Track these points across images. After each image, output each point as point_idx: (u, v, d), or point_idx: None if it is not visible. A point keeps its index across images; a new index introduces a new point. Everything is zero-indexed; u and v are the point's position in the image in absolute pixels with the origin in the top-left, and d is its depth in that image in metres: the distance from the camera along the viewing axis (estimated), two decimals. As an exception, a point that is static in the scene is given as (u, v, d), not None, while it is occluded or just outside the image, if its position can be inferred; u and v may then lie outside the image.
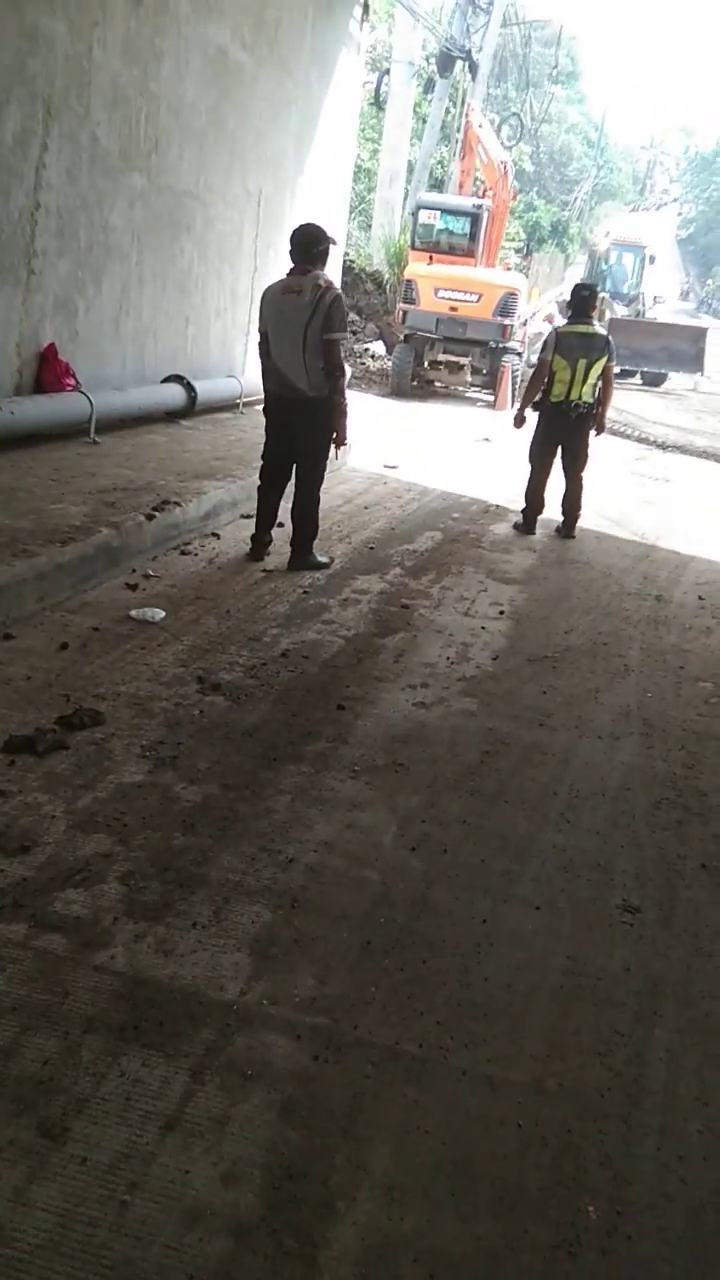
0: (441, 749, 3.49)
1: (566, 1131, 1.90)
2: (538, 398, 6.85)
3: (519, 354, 14.18)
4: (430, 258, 14.55)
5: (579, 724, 3.85)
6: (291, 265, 5.12)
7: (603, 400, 6.86)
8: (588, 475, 7.02)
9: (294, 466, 5.36)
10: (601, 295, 18.30)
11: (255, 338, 5.40)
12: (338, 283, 6.94)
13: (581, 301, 6.91)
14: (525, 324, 14.84)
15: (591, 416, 6.85)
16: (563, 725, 3.82)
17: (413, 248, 15.49)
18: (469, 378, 14.39)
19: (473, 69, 20.54)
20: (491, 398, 14.41)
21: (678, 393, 19.94)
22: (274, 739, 3.35)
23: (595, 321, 7.13)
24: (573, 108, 50.20)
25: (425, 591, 5.33)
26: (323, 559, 5.46)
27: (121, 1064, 1.88)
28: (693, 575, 6.44)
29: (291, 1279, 1.53)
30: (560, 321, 9.27)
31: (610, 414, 7.84)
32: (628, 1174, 1.83)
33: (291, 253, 5.12)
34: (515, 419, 7.40)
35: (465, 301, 13.82)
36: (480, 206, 15.44)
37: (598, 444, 7.28)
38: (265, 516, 5.46)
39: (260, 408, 5.58)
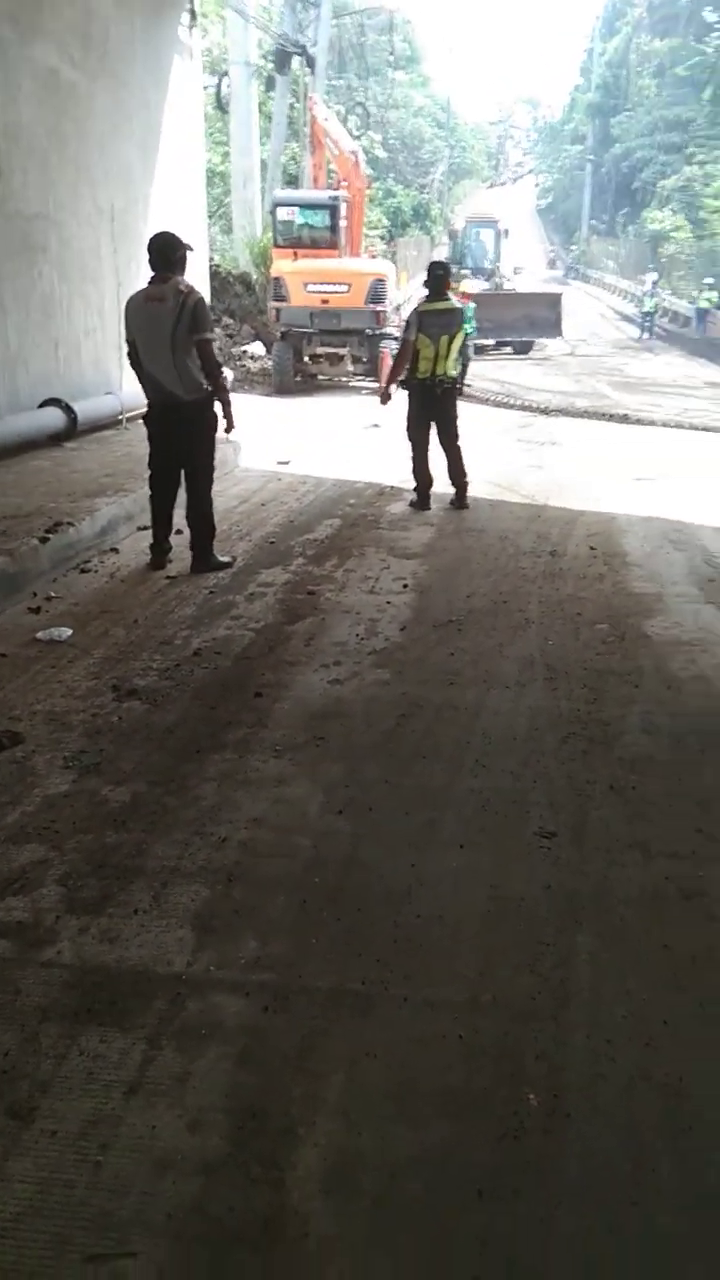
0: (358, 719, 3.63)
1: (503, 1036, 2.05)
2: (402, 376, 7.07)
3: (396, 338, 14.41)
4: (295, 254, 14.67)
5: (486, 678, 4.03)
6: (152, 275, 5.19)
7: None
8: (470, 444, 7.25)
9: (181, 471, 5.45)
10: (458, 270, 18.86)
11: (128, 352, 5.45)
12: (206, 288, 7.02)
13: (436, 280, 7.12)
14: (399, 309, 15.09)
15: (457, 389, 7.12)
16: (471, 681, 3.99)
17: (276, 246, 15.58)
18: (350, 367, 14.55)
19: (310, 63, 20.69)
20: (376, 384, 14.60)
21: (557, 359, 20.47)
22: (195, 733, 3.44)
23: (452, 296, 7.39)
24: (417, 91, 50.84)
25: (329, 576, 5.47)
26: (224, 558, 5.55)
27: (80, 1044, 1.97)
28: (583, 529, 6.70)
29: (262, 1202, 1.65)
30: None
31: (493, 385, 8.11)
32: (562, 1063, 1.99)
33: (151, 262, 5.19)
34: (381, 396, 7.63)
35: (336, 293, 13.98)
36: (336, 198, 15.61)
37: (485, 414, 7.52)
38: (161, 524, 5.53)
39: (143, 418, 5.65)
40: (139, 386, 5.51)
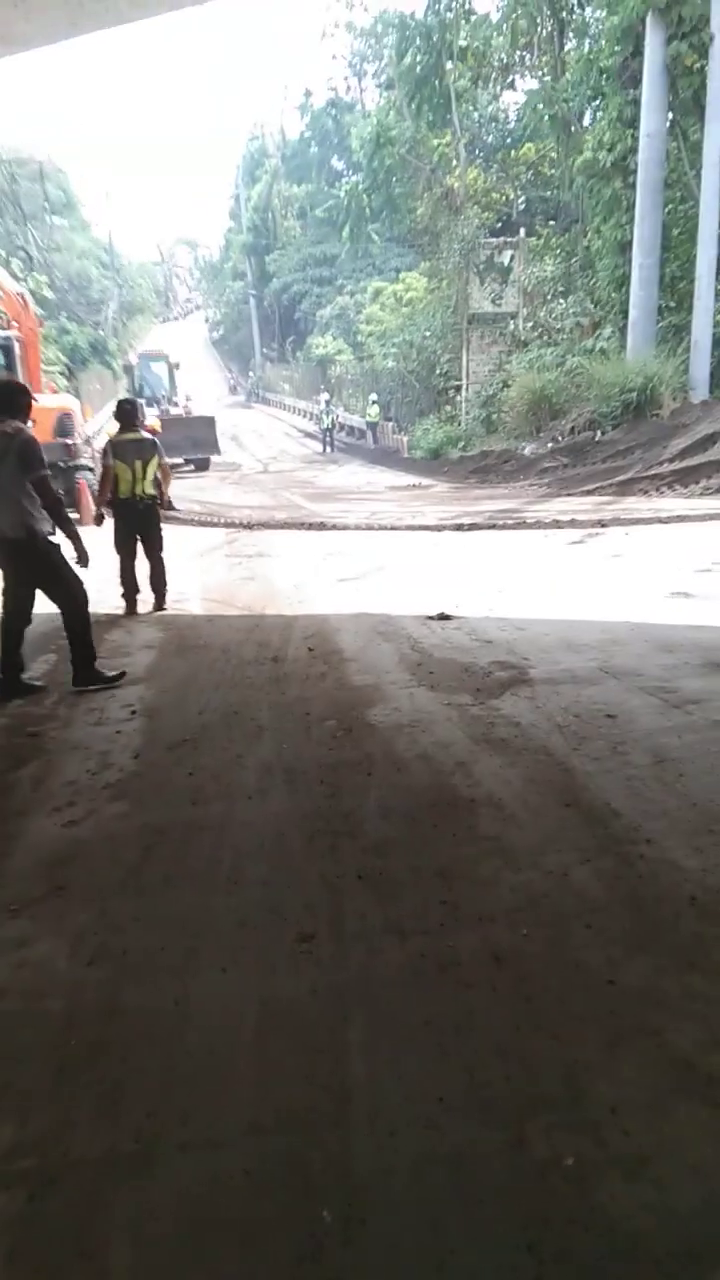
0: (100, 858, 3.47)
1: (289, 1155, 2.01)
2: (109, 497, 7.73)
3: (90, 469, 14.41)
4: (-28, 394, 14.31)
5: (228, 791, 4.02)
6: None
7: (164, 484, 7.95)
8: (183, 563, 7.46)
9: (25, 605, 5.62)
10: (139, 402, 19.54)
11: None
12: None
13: (125, 414, 7.96)
14: (89, 440, 15.12)
15: (157, 506, 7.86)
16: (214, 797, 3.97)
17: (-49, 387, 15.12)
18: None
19: (-34, 210, 20.67)
20: (77, 515, 14.44)
21: (252, 476, 21.40)
22: None
23: (141, 429, 8.08)
24: (78, 235, 52.14)
25: (51, 714, 5.25)
26: (110, 673, 5.79)
27: None
28: (300, 632, 6.96)
29: None
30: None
31: (195, 505, 8.62)
32: (350, 1168, 1.98)
33: None
34: (95, 518, 8.16)
35: (20, 429, 13.78)
36: (8, 338, 15.53)
37: (192, 533, 7.83)
38: (12, 649, 5.65)
39: None
40: None
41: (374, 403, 29.04)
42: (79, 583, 5.67)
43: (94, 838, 3.65)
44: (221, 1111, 2.14)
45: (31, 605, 5.65)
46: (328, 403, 30.14)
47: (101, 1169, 1.99)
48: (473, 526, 12.29)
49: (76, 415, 14.86)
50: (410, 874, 3.21)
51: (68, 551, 5.72)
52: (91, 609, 8.05)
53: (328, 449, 29.10)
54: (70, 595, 5.63)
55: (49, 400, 15.32)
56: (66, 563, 5.63)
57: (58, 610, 5.66)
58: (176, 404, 24.61)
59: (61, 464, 14.05)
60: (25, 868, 3.41)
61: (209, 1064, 2.31)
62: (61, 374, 26.34)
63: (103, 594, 8.56)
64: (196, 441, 22.57)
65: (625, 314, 18.56)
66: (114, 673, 5.81)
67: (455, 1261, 1.75)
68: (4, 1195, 1.91)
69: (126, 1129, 2.09)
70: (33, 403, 5.63)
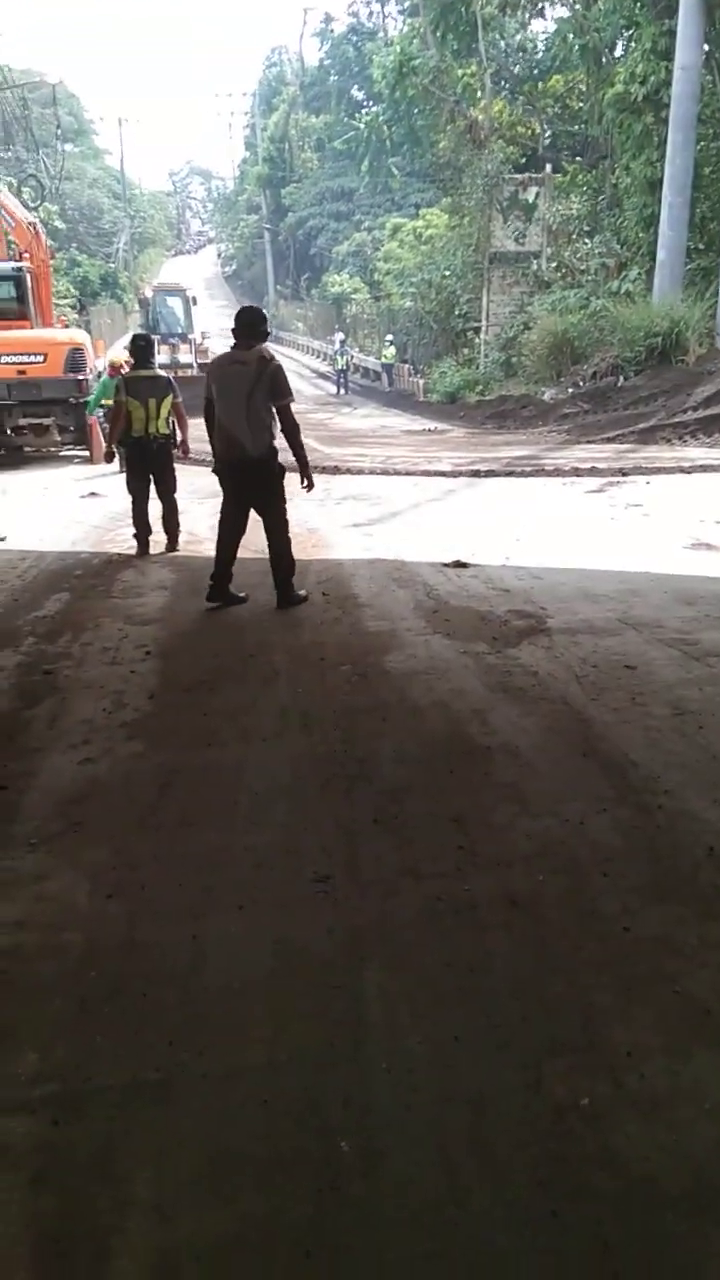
0: (117, 796, 3.49)
1: (306, 1091, 2.04)
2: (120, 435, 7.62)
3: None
4: (-17, 326, 14.12)
5: (244, 734, 4.03)
6: (235, 342, 5.74)
7: (181, 430, 7.86)
8: (199, 506, 7.38)
9: (246, 522, 6.01)
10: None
11: None
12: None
13: (140, 350, 7.76)
14: (100, 376, 14.89)
15: (171, 445, 7.74)
16: (230, 740, 3.97)
17: (-38, 319, 14.91)
18: (57, 437, 14.19)
19: (-24, 135, 20.16)
20: (86, 452, 14.31)
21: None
22: (-65, 842, 3.15)
23: (155, 365, 7.95)
24: (90, 164, 50.92)
25: (66, 652, 5.25)
26: (302, 593, 6.09)
27: None
28: (314, 577, 6.90)
29: (81, 1335, 1.52)
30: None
31: (208, 448, 8.46)
32: (368, 1104, 2.00)
33: (234, 330, 5.74)
34: (105, 455, 8.24)
35: (32, 363, 13.62)
36: (20, 269, 15.25)
37: (208, 476, 7.68)
38: (225, 568, 6.05)
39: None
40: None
41: (390, 344, 28.52)
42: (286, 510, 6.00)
43: (110, 776, 3.66)
44: (239, 1046, 2.18)
45: (246, 526, 6.02)
46: (342, 343, 29.59)
47: (124, 1097, 2.02)
48: (490, 473, 12.14)
49: (88, 350, 14.62)
50: (426, 819, 3.22)
51: None
52: (104, 548, 8.08)
53: (342, 391, 28.65)
54: (284, 519, 5.96)
55: (59, 334, 15.08)
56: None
57: (263, 539, 5.98)
58: (193, 341, 24.00)
59: (72, 400, 13.88)
60: (43, 804, 3.43)
61: (226, 1000, 2.33)
62: (72, 308, 25.86)
63: (114, 534, 8.55)
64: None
65: (652, 255, 18.04)
66: (303, 592, 6.14)
67: (471, 1197, 1.78)
68: (30, 1119, 1.95)
69: (147, 1060, 2.12)
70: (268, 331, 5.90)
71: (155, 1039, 2.19)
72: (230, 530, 6.01)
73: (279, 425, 5.74)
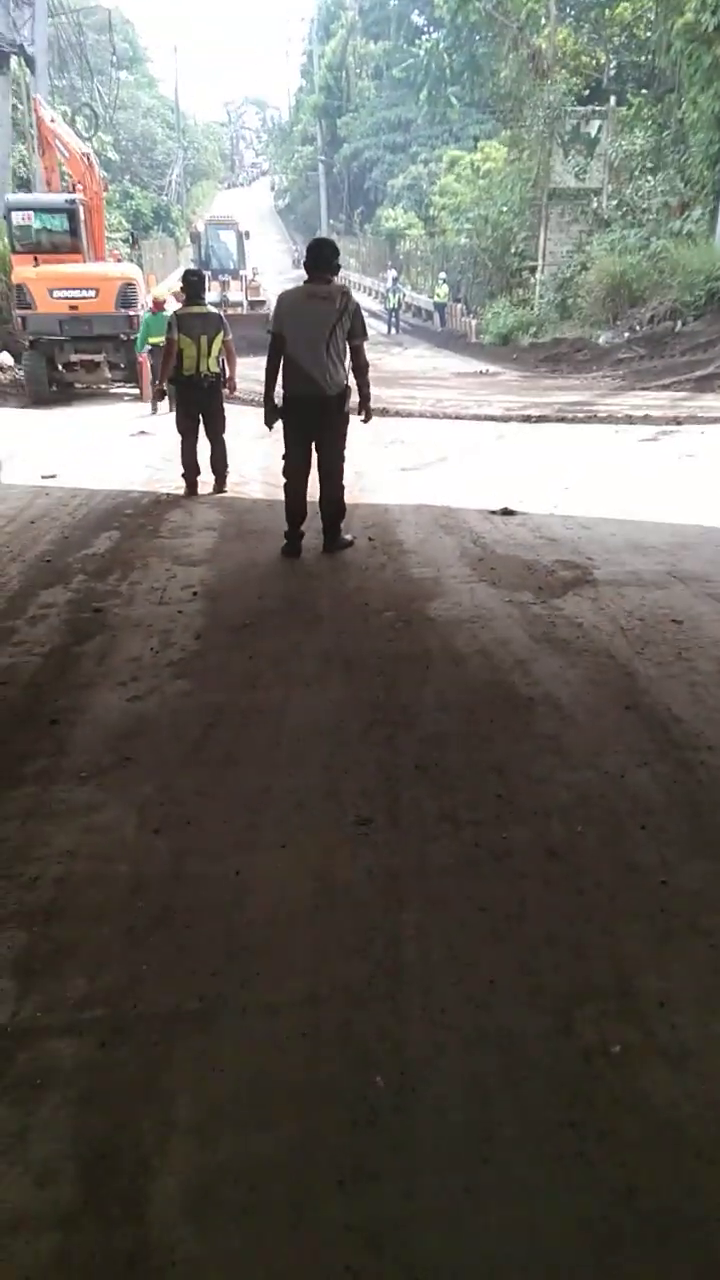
0: (164, 733, 3.56)
1: (344, 1025, 2.10)
2: (171, 374, 7.55)
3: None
4: (35, 259, 14.06)
5: (287, 677, 4.07)
6: (308, 276, 5.58)
7: (230, 367, 7.80)
8: (244, 444, 7.37)
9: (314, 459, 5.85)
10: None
11: None
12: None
13: (192, 286, 7.67)
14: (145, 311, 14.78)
15: (221, 384, 7.69)
16: (273, 683, 4.02)
17: (14, 252, 14.85)
18: (108, 374, 14.18)
19: (29, 63, 19.83)
20: (137, 390, 14.29)
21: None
22: (-13, 772, 3.25)
23: (206, 302, 7.84)
24: (144, 92, 49.89)
25: (115, 591, 5.31)
26: (348, 536, 6.05)
27: None
28: (359, 522, 6.84)
29: (124, 1243, 1.61)
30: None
31: (257, 386, 8.38)
32: (404, 1040, 2.06)
33: (307, 263, 5.60)
34: (155, 394, 7.97)
35: (84, 298, 13.56)
36: (74, 201, 15.09)
37: (257, 414, 7.61)
38: (298, 513, 5.94)
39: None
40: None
41: (443, 281, 27.87)
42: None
43: (158, 713, 3.74)
44: (280, 979, 2.24)
45: (312, 465, 5.89)
46: (395, 280, 28.97)
47: (168, 1023, 2.10)
48: (541, 418, 11.92)
49: (140, 285, 14.51)
50: (466, 767, 3.24)
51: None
52: (153, 488, 8.11)
53: (393, 330, 28.15)
54: (343, 461, 5.89)
55: (112, 269, 14.96)
56: None
57: (320, 476, 5.89)
58: (244, 277, 23.60)
59: (124, 336, 13.82)
60: (92, 738, 3.51)
61: (268, 934, 2.40)
62: (125, 241, 25.56)
63: (163, 473, 8.57)
64: (252, 343, 21.47)
65: (718, 195, 17.35)
66: (349, 536, 6.10)
67: (501, 1133, 1.84)
68: (78, 1041, 2.04)
69: (190, 989, 2.20)
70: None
71: (199, 969, 2.27)
72: (300, 473, 5.89)
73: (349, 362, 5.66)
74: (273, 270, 32.01)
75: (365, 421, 6.05)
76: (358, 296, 6.39)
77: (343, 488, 5.95)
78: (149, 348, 12.65)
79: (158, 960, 2.30)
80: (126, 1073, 1.96)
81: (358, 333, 5.61)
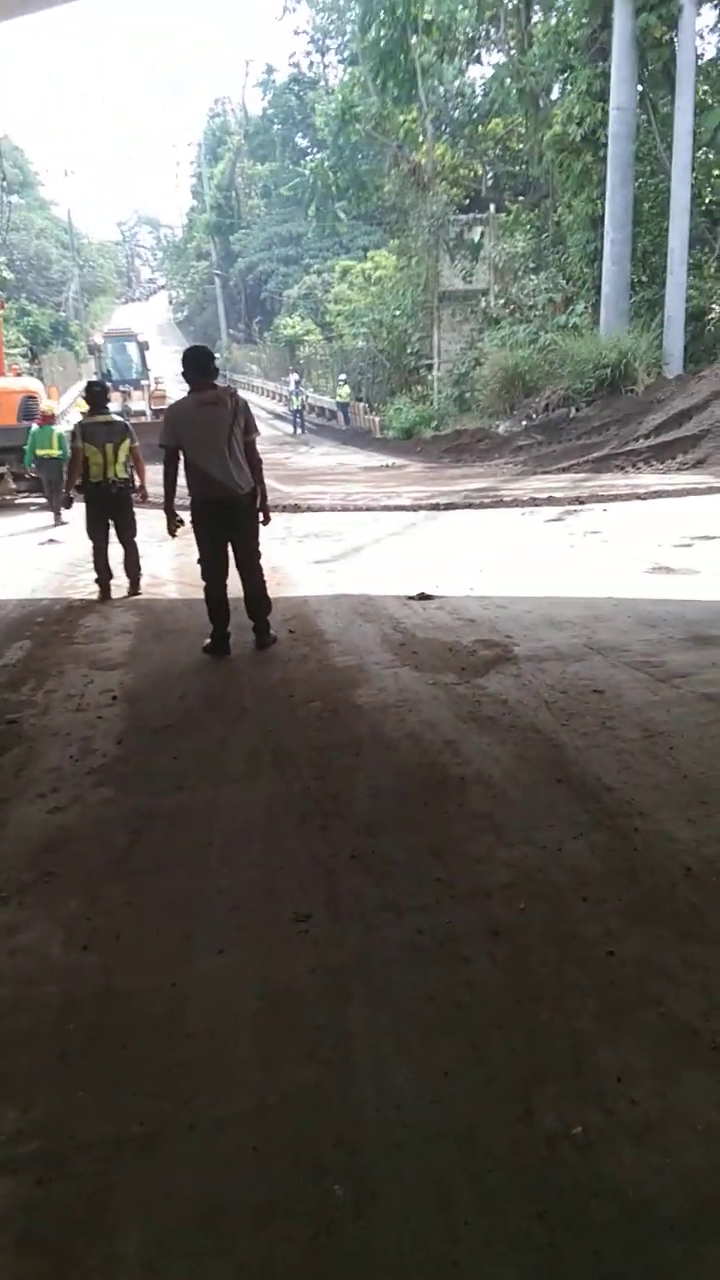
0: (88, 844, 3.44)
1: (297, 1134, 2.00)
2: (79, 481, 7.61)
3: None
4: (-65, 377, 14.07)
5: (215, 776, 3.99)
6: (192, 385, 5.63)
7: (139, 475, 7.81)
8: (159, 547, 7.36)
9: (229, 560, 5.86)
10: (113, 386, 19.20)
11: None
12: None
13: (95, 396, 7.87)
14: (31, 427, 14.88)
15: (130, 490, 7.73)
16: (200, 782, 3.94)
17: None
18: (13, 485, 14.13)
19: None
20: (44, 499, 14.24)
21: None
22: None
23: (111, 411, 7.97)
24: (36, 214, 51.22)
25: (29, 700, 5.18)
26: (272, 633, 6.04)
27: None
28: (279, 614, 6.85)
29: None
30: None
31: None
32: (359, 1144, 1.97)
33: (188, 374, 5.62)
34: (64, 503, 8.22)
35: (-15, 413, 13.58)
36: (-27, 319, 15.25)
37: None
38: (223, 615, 5.88)
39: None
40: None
41: (343, 383, 28.85)
42: None
43: (80, 823, 3.61)
44: (226, 1092, 2.13)
45: (229, 565, 5.88)
46: (297, 383, 29.88)
47: (109, 1152, 1.97)
48: (449, 506, 12.27)
49: (41, 397, 14.63)
50: (403, 853, 3.20)
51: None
52: (65, 594, 8.02)
53: (298, 430, 28.89)
54: (259, 554, 5.92)
55: (11, 383, 15.09)
56: None
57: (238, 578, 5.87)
58: (146, 386, 24.02)
59: (25, 447, 13.82)
60: (12, 854, 3.37)
61: (211, 1046, 2.29)
62: (24, 356, 25.85)
63: (75, 579, 8.50)
64: (157, 451, 21.76)
65: (598, 289, 18.52)
66: (273, 632, 6.09)
67: (468, 1232, 1.76)
68: (12, 1179, 1.89)
69: (131, 1113, 2.07)
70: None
71: (139, 1090, 2.14)
72: (218, 574, 5.85)
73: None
74: (174, 379, 32.62)
75: (265, 523, 5.97)
76: (262, 401, 6.57)
77: (264, 582, 5.96)
78: (35, 461, 12.80)
79: (94, 1085, 2.17)
80: (67, 1209, 1.82)
81: (251, 428, 5.70)
